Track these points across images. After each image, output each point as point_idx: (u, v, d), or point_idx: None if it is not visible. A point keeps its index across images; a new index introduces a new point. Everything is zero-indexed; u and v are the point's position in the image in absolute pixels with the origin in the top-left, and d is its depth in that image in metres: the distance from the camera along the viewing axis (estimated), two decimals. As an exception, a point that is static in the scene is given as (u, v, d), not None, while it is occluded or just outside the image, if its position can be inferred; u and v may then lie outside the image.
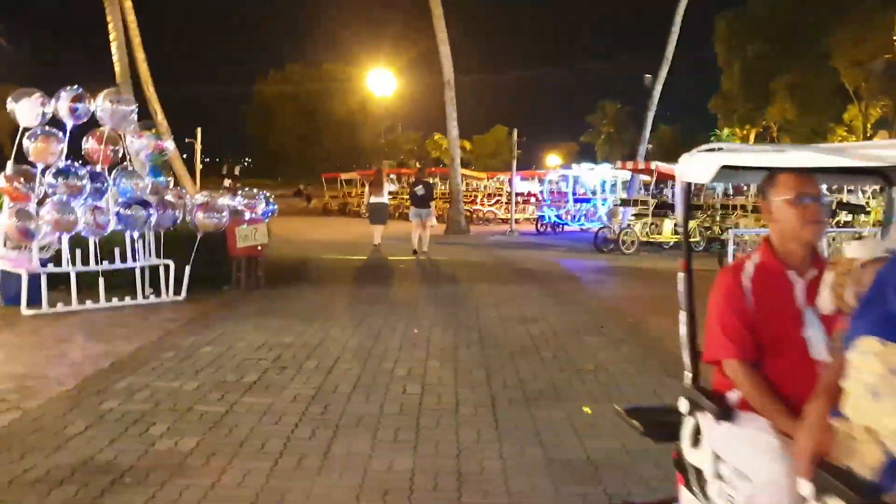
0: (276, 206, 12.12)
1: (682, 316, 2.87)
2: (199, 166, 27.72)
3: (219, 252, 10.38)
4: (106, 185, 9.08)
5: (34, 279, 8.46)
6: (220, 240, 10.32)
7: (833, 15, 52.67)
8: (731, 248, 8.74)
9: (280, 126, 68.17)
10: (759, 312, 2.41)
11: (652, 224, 16.95)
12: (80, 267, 8.79)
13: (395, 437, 4.66)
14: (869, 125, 54.44)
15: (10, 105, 9.05)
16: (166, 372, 6.12)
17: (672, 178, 19.37)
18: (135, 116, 9.53)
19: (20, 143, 8.85)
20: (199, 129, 27.67)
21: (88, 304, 8.72)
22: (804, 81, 55.13)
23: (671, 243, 17.43)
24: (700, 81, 74.60)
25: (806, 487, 1.82)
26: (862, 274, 2.12)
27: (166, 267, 9.50)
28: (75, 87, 9.07)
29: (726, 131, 60.81)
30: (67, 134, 9.03)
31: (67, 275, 8.67)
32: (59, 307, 8.54)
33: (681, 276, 2.79)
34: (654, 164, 17.92)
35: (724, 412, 2.32)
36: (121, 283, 9.27)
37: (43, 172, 8.73)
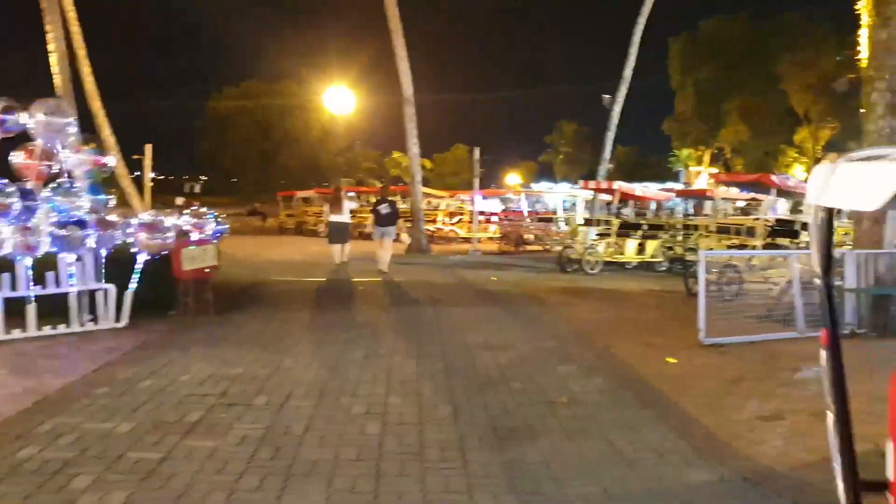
0: (226, 226, 11.53)
1: (829, 417, 2.03)
2: (148, 184, 26.70)
3: (164, 275, 9.76)
4: (38, 203, 8.41)
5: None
6: (165, 262, 9.70)
7: (781, 40, 53.89)
8: (702, 269, 8.37)
9: (235, 143, 66.97)
10: None
11: (615, 244, 16.70)
12: (7, 292, 8.07)
13: (352, 487, 4.16)
14: (819, 147, 55.60)
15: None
16: (98, 411, 5.51)
17: (633, 197, 19.22)
18: (72, 129, 8.88)
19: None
20: (148, 146, 26.69)
21: (16, 333, 8.02)
22: (755, 104, 56.19)
23: (634, 263, 17.20)
24: (655, 103, 75.62)
25: None
26: None
27: (105, 292, 8.84)
28: (2, 97, 8.41)
29: (685, 151, 61.56)
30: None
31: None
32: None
33: (823, 354, 2.00)
34: (616, 184, 17.72)
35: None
36: (55, 309, 8.58)
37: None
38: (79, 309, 8.61)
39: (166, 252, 9.49)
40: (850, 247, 14.23)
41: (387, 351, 7.73)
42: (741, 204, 22.14)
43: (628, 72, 24.18)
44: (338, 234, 17.46)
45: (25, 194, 8.31)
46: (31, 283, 8.27)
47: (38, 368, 6.81)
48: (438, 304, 11.27)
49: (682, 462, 4.60)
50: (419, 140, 23.02)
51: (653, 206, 21.66)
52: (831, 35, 53.10)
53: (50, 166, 8.84)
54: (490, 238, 27.24)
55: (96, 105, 20.80)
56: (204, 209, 11.07)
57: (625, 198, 18.77)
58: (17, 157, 8.81)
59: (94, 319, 8.78)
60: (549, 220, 24.96)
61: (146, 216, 10.16)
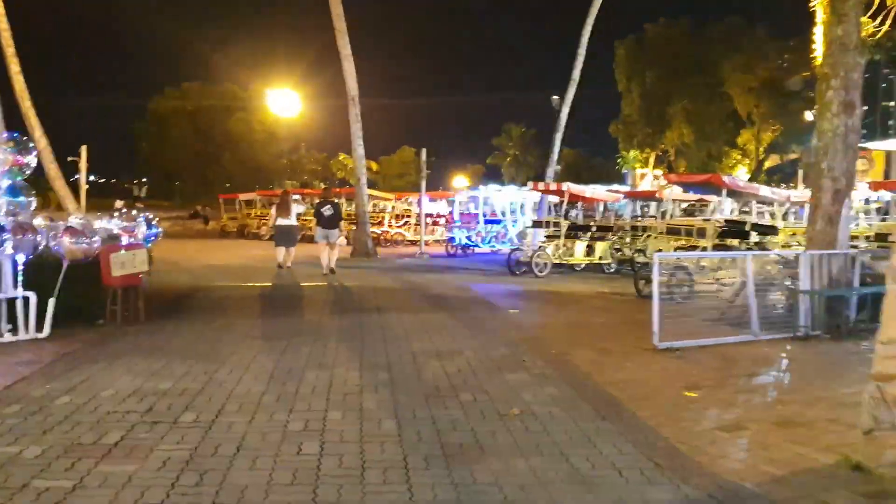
0: (160, 230, 10.95)
1: None
2: (84, 186, 25.66)
3: (93, 282, 9.15)
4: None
5: None
6: (93, 268, 9.08)
7: (724, 44, 54.94)
8: (656, 272, 8.14)
9: (176, 145, 65.27)
10: None
11: (564, 246, 16.51)
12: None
13: (285, 519, 3.73)
14: (761, 149, 56.84)
15: None
16: (4, 433, 4.97)
17: (582, 199, 19.10)
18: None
19: None
20: (83, 147, 25.65)
21: (-77, 345, 7.36)
22: (699, 107, 57.15)
23: (583, 265, 17.06)
24: (601, 107, 76.47)
25: None
26: None
27: (25, 300, 8.19)
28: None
29: (632, 153, 62.24)
30: None
31: None
32: None
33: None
34: (565, 186, 17.54)
35: None
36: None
37: None
38: (-6, 319, 7.97)
39: (93, 258, 8.88)
40: (799, 247, 14.40)
41: (329, 360, 7.29)
42: (683, 205, 22.22)
43: (576, 73, 24.14)
44: (284, 237, 17.19)
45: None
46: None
47: (-60, 386, 6.19)
48: (384, 310, 10.85)
49: (644, 480, 4.29)
50: (365, 141, 22.57)
51: (601, 207, 21.58)
52: (771, 39, 54.40)
53: (-38, 166, 8.16)
54: (436, 241, 26.91)
55: (26, 105, 19.79)
56: (134, 212, 10.49)
57: (574, 199, 18.61)
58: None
59: (14, 330, 8.13)
60: (498, 223, 24.73)
61: (73, 219, 9.55)
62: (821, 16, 9.63)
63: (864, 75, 9.66)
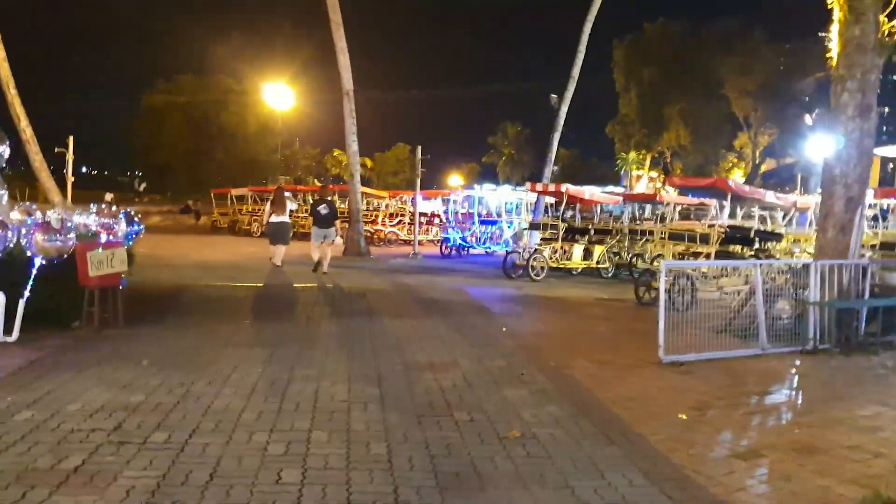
0: (142, 227, 10.47)
1: None
2: (70, 178, 25.12)
3: (69, 282, 8.67)
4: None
5: None
6: (70, 267, 8.61)
7: (721, 46, 54.69)
8: (662, 282, 7.73)
9: (169, 139, 64.53)
10: None
11: (561, 249, 16.11)
12: None
13: (258, 565, 3.31)
14: (758, 152, 56.63)
15: None
16: (-47, 455, 4.52)
17: (580, 201, 18.69)
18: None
19: None
20: (70, 138, 25.11)
21: None
22: (697, 109, 56.90)
23: (580, 269, 16.66)
24: (597, 107, 76.02)
25: None
26: None
27: (-7, 301, 7.72)
28: None
29: (632, 154, 61.93)
30: None
31: None
32: None
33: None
34: (564, 187, 17.13)
35: None
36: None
37: None
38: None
39: (68, 256, 8.41)
40: (801, 254, 14.03)
41: (315, 372, 6.85)
42: (677, 209, 21.82)
43: (576, 71, 23.77)
44: (280, 234, 16.87)
45: None
46: None
47: None
48: (375, 315, 10.42)
49: (659, 519, 3.89)
50: (359, 138, 22.10)
51: (598, 209, 21.17)
52: (768, 42, 54.18)
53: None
54: (430, 241, 26.48)
55: (12, 93, 19.25)
56: (114, 207, 10.02)
57: (572, 201, 18.19)
58: None
59: (-20, 334, 7.67)
60: (493, 223, 24.30)
61: (51, 214, 9.07)
62: (837, 14, 9.23)
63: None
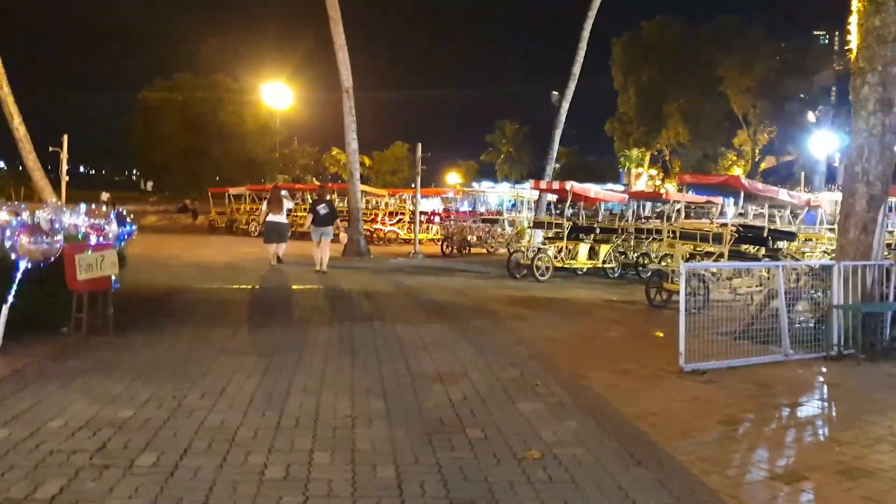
0: (134, 227, 10.05)
1: None
2: (64, 177, 24.70)
3: (55, 285, 8.25)
4: None
5: None
6: (57, 270, 8.18)
7: (719, 43, 54.34)
8: (683, 285, 7.31)
9: (166, 137, 64.00)
10: None
11: (566, 248, 15.69)
12: None
13: None
14: (757, 150, 56.26)
15: None
16: (-80, 482, 4.11)
17: (585, 199, 18.28)
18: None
19: None
20: (65, 136, 24.68)
21: None
22: (696, 106, 56.55)
23: (585, 269, 16.25)
24: (595, 105, 75.65)
25: None
26: None
27: (-25, 307, 7.30)
28: None
29: (635, 151, 61.50)
30: None
31: None
32: None
33: None
34: (569, 184, 16.71)
35: None
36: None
37: None
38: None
39: (55, 259, 7.98)
40: (811, 253, 13.65)
41: (316, 383, 6.44)
42: (677, 206, 21.36)
43: (576, 69, 23.42)
44: (276, 233, 16.84)
45: None
46: None
47: None
48: (377, 320, 9.99)
49: (703, 557, 3.48)
50: (358, 136, 21.67)
51: (602, 208, 20.76)
52: (767, 39, 53.82)
53: None
54: (431, 239, 26.08)
55: (5, 91, 18.87)
56: (104, 207, 9.61)
57: (576, 199, 17.77)
58: None
59: (-40, 341, 7.25)
60: (494, 222, 23.89)
61: (40, 214, 8.66)
62: (855, 5, 8.85)
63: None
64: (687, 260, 11.51)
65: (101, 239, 8.87)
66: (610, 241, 16.14)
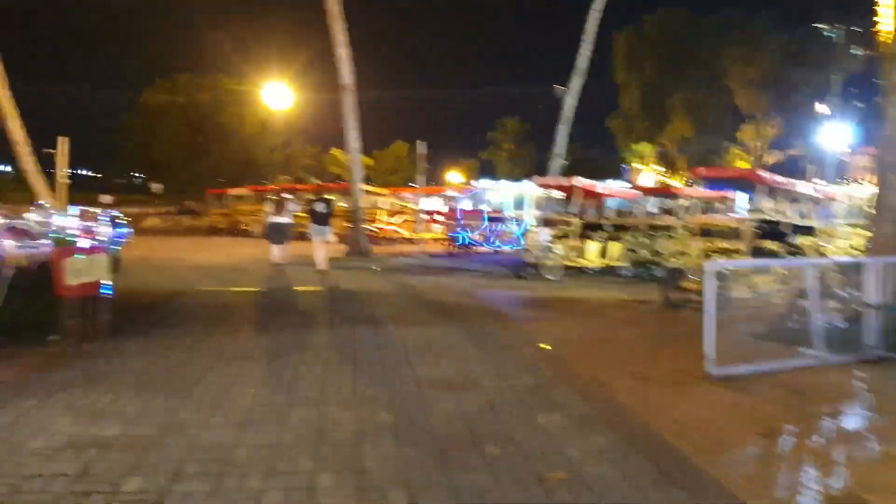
0: (129, 230, 9.65)
1: None
2: (62, 180, 24.22)
3: (44, 291, 7.82)
4: None
5: None
6: (47, 274, 7.77)
7: (723, 35, 53.74)
8: (710, 285, 6.85)
9: (166, 138, 63.56)
10: None
11: (575, 246, 15.23)
12: None
13: None
14: (763, 144, 55.64)
15: None
16: None
17: (594, 195, 17.83)
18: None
19: None
20: (62, 139, 24.22)
21: None
22: (699, 100, 55.92)
23: (595, 268, 15.79)
24: (596, 99, 75.00)
25: None
26: None
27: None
28: None
29: (645, 146, 60.83)
30: None
31: None
32: None
33: None
34: (575, 180, 16.25)
35: None
36: None
37: None
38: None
39: (41, 263, 7.57)
40: (826, 247, 13.18)
41: (318, 393, 6.01)
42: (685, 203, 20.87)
43: (582, 62, 22.94)
44: (279, 235, 17.11)
45: None
46: None
47: None
48: (382, 322, 9.56)
49: None
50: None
51: (609, 205, 20.28)
52: (771, 32, 53.22)
53: None
54: (434, 239, 25.63)
55: (2, 92, 18.42)
56: (99, 209, 9.21)
57: (587, 197, 17.30)
58: None
59: (-60, 352, 6.84)
60: (500, 220, 23.41)
61: (30, 216, 8.27)
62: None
63: None
64: (707, 257, 11.05)
65: (93, 241, 8.45)
66: (622, 239, 15.68)
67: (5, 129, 18.92)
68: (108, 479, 4.18)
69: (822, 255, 11.36)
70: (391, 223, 27.22)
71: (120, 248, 9.64)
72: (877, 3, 8.46)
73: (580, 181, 16.33)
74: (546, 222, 17.53)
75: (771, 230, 11.42)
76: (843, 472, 4.48)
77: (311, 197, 18.77)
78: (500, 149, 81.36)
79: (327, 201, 17.04)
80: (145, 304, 10.47)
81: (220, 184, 48.21)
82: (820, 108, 42.69)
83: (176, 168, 64.74)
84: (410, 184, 48.39)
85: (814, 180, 28.80)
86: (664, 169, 59.94)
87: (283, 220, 17.33)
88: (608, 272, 15.67)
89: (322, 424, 5.20)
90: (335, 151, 67.01)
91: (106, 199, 55.09)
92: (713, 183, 15.72)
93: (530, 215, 21.55)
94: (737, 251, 11.25)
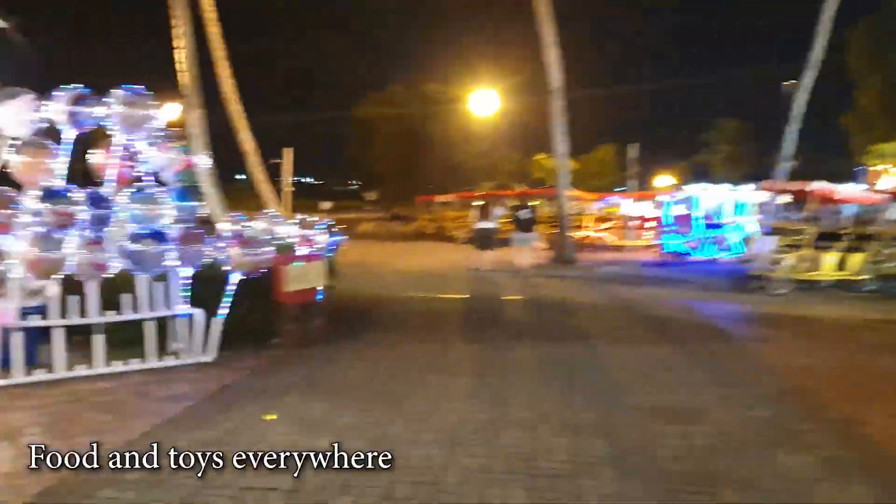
0: (342, 237, 9.93)
1: None
2: (287, 189, 26.13)
3: (266, 297, 8.16)
4: (111, 211, 7.03)
5: (25, 335, 6.49)
6: (268, 281, 8.10)
7: None
8: None
9: (380, 150, 66.92)
10: None
11: (809, 258, 13.69)
12: (68, 319, 6.71)
13: None
14: None
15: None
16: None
17: (831, 201, 16.03)
18: (157, 123, 7.39)
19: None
20: (287, 150, 26.13)
21: (80, 369, 6.65)
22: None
23: (828, 282, 14.08)
24: (823, 97, 68.65)
25: None
26: None
27: (190, 318, 7.32)
28: (79, 85, 7.06)
29: (893, 146, 54.97)
30: (68, 145, 7.01)
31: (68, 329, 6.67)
32: (41, 374, 6.49)
33: None
34: (813, 185, 14.65)
35: None
36: (137, 337, 7.16)
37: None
38: (160, 339, 7.18)
39: (264, 270, 7.89)
40: None
41: (524, 415, 5.64)
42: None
43: (816, 55, 20.90)
44: (485, 241, 17.36)
45: (96, 201, 6.94)
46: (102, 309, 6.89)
47: (73, 428, 5.28)
48: (591, 338, 9.02)
49: None
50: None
51: (847, 211, 18.15)
52: None
53: (132, 167, 7.46)
54: (646, 246, 24.48)
55: (235, 108, 20.08)
56: (316, 217, 9.54)
57: (823, 202, 15.52)
58: (95, 156, 7.51)
59: (176, 352, 7.31)
60: (717, 227, 21.83)
61: (256, 224, 8.69)
62: None
63: None
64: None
65: (310, 249, 8.74)
66: (864, 249, 13.89)
67: (236, 141, 20.62)
68: (318, 498, 4.10)
69: None
70: (599, 229, 26.43)
71: (335, 254, 9.96)
72: None
73: (817, 185, 14.70)
74: (778, 231, 15.94)
75: None
76: None
77: (516, 203, 18.75)
78: (715, 151, 77.14)
79: (531, 208, 17.32)
80: (356, 310, 10.72)
81: (429, 190, 49.77)
82: None
83: (390, 177, 67.97)
84: (619, 188, 47.07)
85: None
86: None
87: (490, 225, 17.50)
88: (844, 286, 13.95)
89: (533, 450, 4.84)
90: (539, 156, 66.91)
91: (325, 205, 58.92)
92: None
93: (752, 222, 19.86)
94: None
